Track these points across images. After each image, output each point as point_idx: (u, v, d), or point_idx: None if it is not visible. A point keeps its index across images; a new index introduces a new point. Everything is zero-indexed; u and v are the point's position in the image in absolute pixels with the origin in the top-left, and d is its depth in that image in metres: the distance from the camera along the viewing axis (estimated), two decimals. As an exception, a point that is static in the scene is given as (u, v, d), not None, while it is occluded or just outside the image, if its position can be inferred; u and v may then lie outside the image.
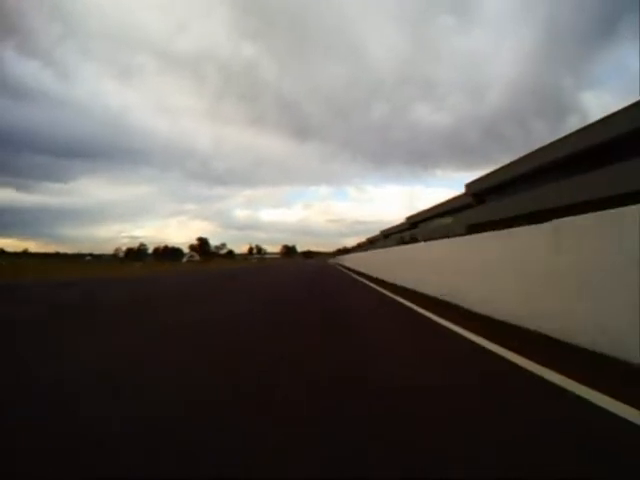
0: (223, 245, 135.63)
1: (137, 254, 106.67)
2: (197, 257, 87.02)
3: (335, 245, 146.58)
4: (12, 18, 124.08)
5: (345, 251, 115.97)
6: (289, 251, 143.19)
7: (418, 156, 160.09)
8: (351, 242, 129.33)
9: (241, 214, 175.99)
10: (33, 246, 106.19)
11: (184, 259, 76.17)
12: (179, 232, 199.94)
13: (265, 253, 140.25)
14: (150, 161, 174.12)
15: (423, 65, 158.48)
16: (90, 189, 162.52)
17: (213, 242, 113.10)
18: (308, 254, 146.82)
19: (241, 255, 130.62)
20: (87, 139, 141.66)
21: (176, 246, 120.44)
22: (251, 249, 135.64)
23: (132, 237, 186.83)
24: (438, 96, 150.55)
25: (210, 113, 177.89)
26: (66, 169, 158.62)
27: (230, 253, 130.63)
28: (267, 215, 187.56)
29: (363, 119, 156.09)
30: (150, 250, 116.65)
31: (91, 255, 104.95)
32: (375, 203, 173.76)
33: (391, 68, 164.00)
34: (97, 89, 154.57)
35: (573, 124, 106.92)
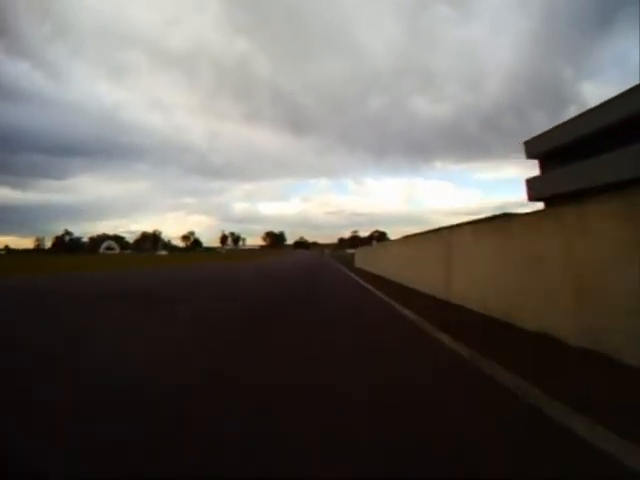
0: (191, 234, 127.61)
1: (69, 245, 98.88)
2: (117, 249, 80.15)
3: (333, 237, 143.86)
4: (1, 19, 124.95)
5: (359, 240, 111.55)
6: (276, 241, 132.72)
7: (417, 148, 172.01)
8: (348, 234, 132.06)
9: (239, 207, 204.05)
10: (30, 243, 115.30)
11: (100, 250, 70.24)
12: (177, 226, 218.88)
13: (244, 244, 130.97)
14: (147, 157, 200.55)
15: (420, 56, 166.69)
16: (87, 186, 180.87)
17: (210, 235, 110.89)
18: (301, 244, 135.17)
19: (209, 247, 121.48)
20: (82, 137, 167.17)
21: (120, 235, 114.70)
22: (224, 238, 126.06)
23: (130, 232, 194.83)
24: (436, 87, 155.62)
25: (205, 108, 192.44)
26: (63, 167, 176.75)
27: (196, 243, 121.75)
28: (266, 208, 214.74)
29: (361, 111, 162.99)
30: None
31: (7, 249, 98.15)
32: (374, 196, 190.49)
33: (388, 60, 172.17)
34: (90, 87, 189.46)
35: (572, 114, 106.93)
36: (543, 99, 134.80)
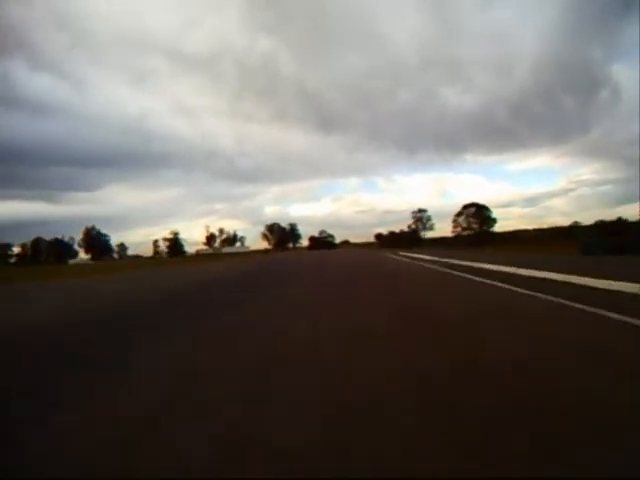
0: (175, 234, 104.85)
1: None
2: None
3: (364, 236, 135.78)
4: (20, 33, 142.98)
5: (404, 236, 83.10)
6: (283, 240, 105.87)
7: (447, 141, 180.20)
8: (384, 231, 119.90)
9: (271, 210, 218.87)
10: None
11: None
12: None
13: (242, 244, 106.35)
14: (174, 164, 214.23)
15: (447, 46, 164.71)
16: (116, 196, 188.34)
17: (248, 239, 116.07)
18: (322, 242, 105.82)
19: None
20: (108, 148, 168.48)
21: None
22: (211, 237, 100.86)
23: (163, 240, 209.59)
24: (464, 77, 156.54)
25: (231, 111, 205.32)
26: (91, 178, 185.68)
27: (175, 247, 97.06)
28: (297, 210, 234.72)
29: (388, 106, 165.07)
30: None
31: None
32: (404, 192, 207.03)
33: (414, 51, 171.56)
34: (113, 97, 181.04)
35: (604, 98, 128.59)
36: (573, 84, 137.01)
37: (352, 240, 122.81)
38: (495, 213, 68.36)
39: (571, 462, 1.84)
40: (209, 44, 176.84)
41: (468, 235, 65.14)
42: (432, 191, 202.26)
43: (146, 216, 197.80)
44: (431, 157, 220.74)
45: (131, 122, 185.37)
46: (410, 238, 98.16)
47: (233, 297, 9.55)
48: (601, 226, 43.08)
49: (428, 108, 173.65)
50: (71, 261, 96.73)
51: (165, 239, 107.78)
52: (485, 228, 64.96)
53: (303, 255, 57.39)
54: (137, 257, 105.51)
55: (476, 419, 2.27)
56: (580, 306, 5.42)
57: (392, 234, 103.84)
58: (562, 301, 5.93)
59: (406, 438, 2.10)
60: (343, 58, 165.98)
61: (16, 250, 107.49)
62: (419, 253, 30.47)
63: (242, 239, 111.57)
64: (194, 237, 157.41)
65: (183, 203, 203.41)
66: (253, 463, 1.96)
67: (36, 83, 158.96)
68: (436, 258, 20.04)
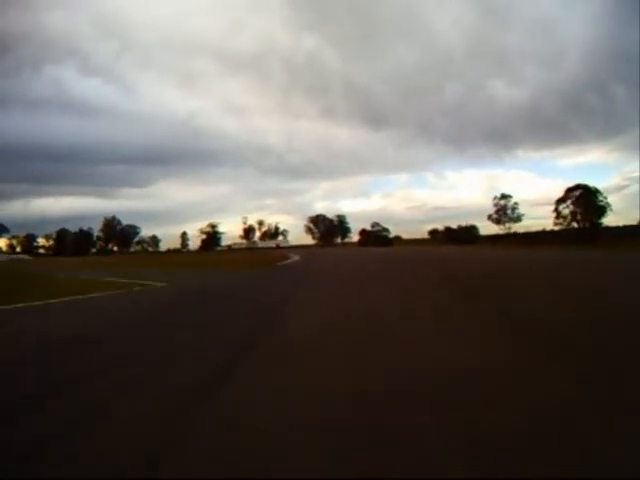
0: (212, 227, 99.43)
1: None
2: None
3: (416, 232, 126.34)
4: (69, 40, 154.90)
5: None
6: (330, 234, 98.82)
7: (497, 136, 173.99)
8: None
9: (320, 206, 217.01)
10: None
11: None
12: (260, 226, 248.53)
13: (285, 239, 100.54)
14: (224, 161, 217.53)
15: (494, 35, 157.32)
16: (168, 191, 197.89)
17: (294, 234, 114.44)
18: (375, 236, 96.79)
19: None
20: (160, 146, 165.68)
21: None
22: (249, 230, 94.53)
23: (200, 232, 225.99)
24: (513, 70, 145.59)
25: (279, 109, 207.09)
26: (144, 175, 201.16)
27: (213, 240, 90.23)
28: (347, 206, 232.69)
29: (437, 100, 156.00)
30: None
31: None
32: (455, 189, 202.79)
33: (461, 43, 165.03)
34: (161, 98, 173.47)
35: None
36: (625, 74, 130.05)
37: (404, 236, 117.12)
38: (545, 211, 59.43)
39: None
40: (255, 44, 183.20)
41: (573, 229, 55.88)
42: (484, 187, 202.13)
43: (197, 211, 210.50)
44: (481, 152, 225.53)
45: (180, 121, 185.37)
46: (469, 234, 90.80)
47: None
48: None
49: (477, 101, 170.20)
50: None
51: (202, 232, 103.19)
52: (595, 220, 54.80)
53: (351, 253, 49.08)
54: (171, 251, 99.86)
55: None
56: None
57: (448, 230, 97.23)
58: None
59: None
60: (389, 52, 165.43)
61: (41, 242, 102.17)
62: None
63: (285, 232, 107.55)
64: (239, 231, 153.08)
65: (233, 198, 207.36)
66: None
67: (88, 87, 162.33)
68: None
